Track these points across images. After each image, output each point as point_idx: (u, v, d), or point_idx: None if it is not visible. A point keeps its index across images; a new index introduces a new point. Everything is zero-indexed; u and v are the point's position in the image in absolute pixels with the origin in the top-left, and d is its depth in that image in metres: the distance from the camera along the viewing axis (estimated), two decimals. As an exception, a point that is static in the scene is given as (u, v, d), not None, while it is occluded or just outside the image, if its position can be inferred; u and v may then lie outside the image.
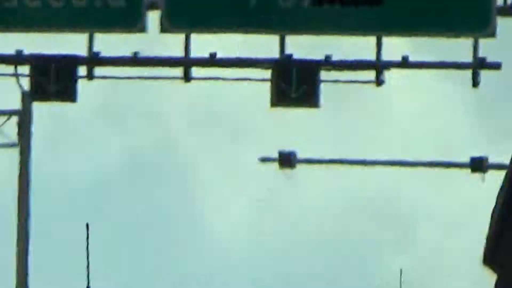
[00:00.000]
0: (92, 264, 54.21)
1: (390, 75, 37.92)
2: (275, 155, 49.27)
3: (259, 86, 37.97)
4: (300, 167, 50.74)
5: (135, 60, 37.03)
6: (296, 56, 36.87)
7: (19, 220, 50.98)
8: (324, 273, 74.47)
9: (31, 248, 54.73)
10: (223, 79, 38.56)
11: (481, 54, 36.54)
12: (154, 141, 74.77)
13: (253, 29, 36.09)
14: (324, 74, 37.06)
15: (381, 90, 39.51)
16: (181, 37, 36.56)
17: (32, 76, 37.17)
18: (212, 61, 37.44)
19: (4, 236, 52.35)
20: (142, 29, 35.59)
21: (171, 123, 76.54)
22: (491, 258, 53.43)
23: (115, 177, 76.84)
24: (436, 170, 53.92)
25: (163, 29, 35.48)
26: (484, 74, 37.15)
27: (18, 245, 50.96)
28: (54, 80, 36.76)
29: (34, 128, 48.90)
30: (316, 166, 52.42)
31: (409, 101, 70.97)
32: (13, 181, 50.73)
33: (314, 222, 75.85)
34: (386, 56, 36.98)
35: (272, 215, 79.23)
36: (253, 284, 66.11)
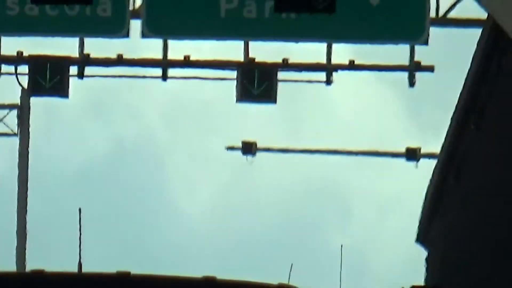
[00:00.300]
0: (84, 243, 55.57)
1: (338, 76, 37.67)
2: (239, 144, 49.75)
3: (226, 85, 38.20)
4: (260, 155, 50.75)
5: (120, 61, 37.20)
6: (258, 59, 36.80)
7: (18, 201, 50.77)
8: (275, 245, 76.56)
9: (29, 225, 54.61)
10: (196, 78, 38.91)
11: (416, 58, 37.04)
12: (135, 132, 78.64)
13: (221, 36, 35.55)
14: (281, 75, 37.48)
15: (330, 89, 39.43)
16: (159, 41, 36.50)
17: (30, 74, 36.79)
18: (186, 62, 37.84)
19: (6, 217, 52.14)
20: (126, 34, 35.09)
21: (150, 116, 79.79)
22: (423, 236, 53.42)
23: (101, 163, 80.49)
24: (376, 158, 54.47)
25: (144, 35, 34.91)
26: (419, 75, 37.58)
27: (18, 224, 50.99)
28: (49, 78, 36.45)
29: (32, 120, 49.03)
30: (273, 154, 52.76)
31: (354, 99, 73.17)
32: (13, 167, 50.73)
33: (269, 201, 79.09)
34: (335, 60, 36.84)
35: (235, 194, 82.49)
36: (215, 252, 69.69)
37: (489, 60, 37.02)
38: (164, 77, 38.21)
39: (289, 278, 14.43)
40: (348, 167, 63.11)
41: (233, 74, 37.28)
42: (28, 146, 50.16)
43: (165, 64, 37.61)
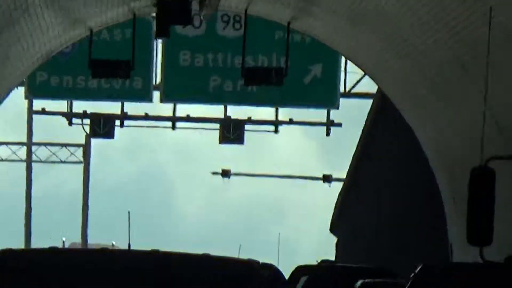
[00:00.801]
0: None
1: (282, 128, 39.24)
2: (220, 170, 51.36)
3: (212, 132, 39.84)
4: (233, 178, 52.11)
5: (146, 117, 38.86)
6: (233, 116, 38.33)
7: (82, 207, 52.23)
8: (238, 231, 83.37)
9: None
10: (193, 128, 40.39)
11: (331, 117, 37.85)
12: (153, 163, 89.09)
13: (210, 101, 37.25)
14: (247, 126, 38.68)
15: (277, 136, 41.29)
16: (170, 105, 37.82)
17: (91, 125, 38.22)
18: (187, 118, 39.07)
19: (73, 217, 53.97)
20: (150, 100, 36.65)
21: (163, 153, 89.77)
22: (334, 227, 55.95)
23: (133, 181, 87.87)
24: (304, 181, 56.22)
25: (162, 100, 36.61)
26: (333, 129, 38.52)
27: (82, 225, 52.00)
28: (102, 127, 37.94)
29: (92, 153, 51.34)
30: (242, 177, 54.15)
31: (291, 143, 78.17)
32: (79, 183, 52.40)
33: (239, 207, 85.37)
34: (280, 117, 38.44)
35: (216, 203, 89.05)
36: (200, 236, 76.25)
37: (377, 118, 40.13)
38: (173, 127, 39.67)
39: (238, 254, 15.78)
40: (287, 186, 68.15)
41: (217, 125, 38.56)
42: (89, 170, 52.50)
43: (174, 119, 38.84)
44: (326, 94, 36.63)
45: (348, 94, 37.35)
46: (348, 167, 48.97)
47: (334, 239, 57.01)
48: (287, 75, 28.07)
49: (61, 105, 38.35)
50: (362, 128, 43.17)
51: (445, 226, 28.84)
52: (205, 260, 8.53)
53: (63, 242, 50.46)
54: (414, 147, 31.06)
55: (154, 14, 27.27)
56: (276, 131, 39.67)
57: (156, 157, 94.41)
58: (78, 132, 43.16)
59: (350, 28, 27.81)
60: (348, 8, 25.47)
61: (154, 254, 8.65)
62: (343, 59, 35.29)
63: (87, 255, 10.58)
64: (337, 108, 37.21)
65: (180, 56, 35.83)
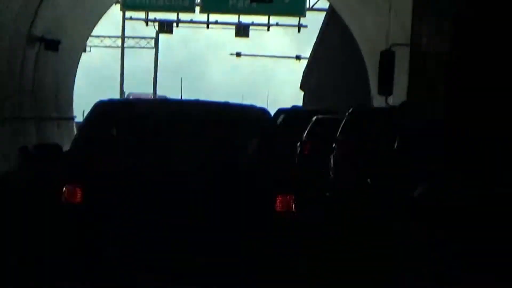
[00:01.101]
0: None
1: (272, 28, 40.54)
2: (235, 52, 53.19)
3: (231, 31, 40.65)
4: (243, 57, 54.01)
5: (191, 22, 40.48)
6: (243, 21, 39.24)
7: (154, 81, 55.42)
8: None
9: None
10: (219, 28, 41.66)
11: (301, 22, 38.47)
12: (196, 50, 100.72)
13: (230, 12, 37.54)
14: (251, 27, 39.91)
15: (269, 33, 42.77)
16: (206, 14, 38.22)
17: (159, 25, 40.78)
18: (216, 22, 39.92)
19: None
20: (194, 11, 36.97)
21: (201, 43, 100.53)
22: (302, 86, 60.21)
23: (184, 61, 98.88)
24: (284, 59, 59.67)
25: (201, 11, 37.01)
26: (302, 29, 39.16)
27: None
28: (166, 26, 40.39)
29: (159, 43, 54.07)
30: (249, 57, 55.34)
31: (277, 37, 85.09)
32: (152, 63, 54.90)
33: (244, 76, 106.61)
34: (271, 21, 39.50)
35: (232, 72, 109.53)
36: None
37: (329, 22, 39.90)
38: (207, 27, 39.79)
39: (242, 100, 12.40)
40: (274, 63, 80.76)
41: (233, 26, 39.47)
42: (157, 54, 54.28)
43: (207, 23, 39.32)
44: (298, 7, 36.68)
45: (311, 9, 38.77)
46: (310, 51, 53.85)
47: (301, 93, 60.91)
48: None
49: (141, 14, 40.87)
50: (319, 28, 46.50)
51: (369, 83, 28.68)
52: (227, 105, 8.82)
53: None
54: (350, 38, 31.81)
55: None
56: (268, 30, 41.61)
57: (197, 45, 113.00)
58: (151, 30, 47.59)
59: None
60: None
61: (196, 101, 8.77)
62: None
63: (157, 103, 11.98)
64: (305, 16, 38.44)
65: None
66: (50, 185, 8.12)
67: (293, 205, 7.58)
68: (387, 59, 14.70)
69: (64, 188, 7.39)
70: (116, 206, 7.28)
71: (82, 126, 8.52)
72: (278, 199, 7.42)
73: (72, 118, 31.11)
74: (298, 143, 20.00)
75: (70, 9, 26.82)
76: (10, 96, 19.65)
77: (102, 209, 7.23)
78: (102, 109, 8.16)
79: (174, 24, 42.10)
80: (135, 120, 8.01)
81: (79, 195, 7.34)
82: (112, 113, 8.33)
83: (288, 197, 7.49)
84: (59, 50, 25.30)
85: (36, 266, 8.25)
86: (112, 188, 7.29)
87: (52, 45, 24.07)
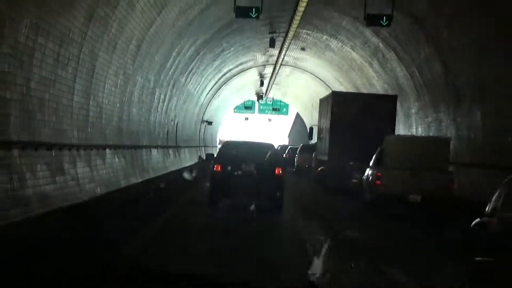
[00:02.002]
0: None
1: None
2: None
3: None
4: None
5: None
6: None
7: None
8: None
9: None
10: None
11: None
12: None
13: None
14: None
15: None
16: None
17: None
18: None
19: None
20: None
21: None
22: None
23: None
24: None
25: None
26: None
27: None
28: None
29: None
30: None
31: None
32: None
33: None
34: None
35: None
36: None
37: None
38: None
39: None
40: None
41: None
42: None
43: None
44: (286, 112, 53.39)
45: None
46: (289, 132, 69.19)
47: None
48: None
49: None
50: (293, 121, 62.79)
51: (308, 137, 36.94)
52: (261, 142, 17.87)
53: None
54: (302, 122, 45.64)
55: None
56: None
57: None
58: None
59: None
60: None
61: (251, 141, 17.40)
62: None
63: (238, 141, 20.08)
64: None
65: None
66: (212, 165, 17.49)
67: (281, 172, 16.99)
68: (311, 129, 33.88)
69: (215, 165, 17.24)
70: (229, 172, 17.00)
71: (220, 148, 19.26)
72: (276, 170, 16.89)
73: (215, 146, 54.22)
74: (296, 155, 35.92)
75: (216, 110, 50.54)
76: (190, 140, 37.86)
77: (225, 173, 17.01)
78: (225, 143, 19.50)
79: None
80: (232, 146, 18.54)
81: (220, 168, 17.03)
82: (227, 144, 19.13)
83: (279, 169, 16.98)
84: (212, 125, 48.94)
85: (208, 191, 17.67)
86: (228, 166, 17.12)
87: (209, 123, 45.54)
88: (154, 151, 24.69)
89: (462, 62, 19.70)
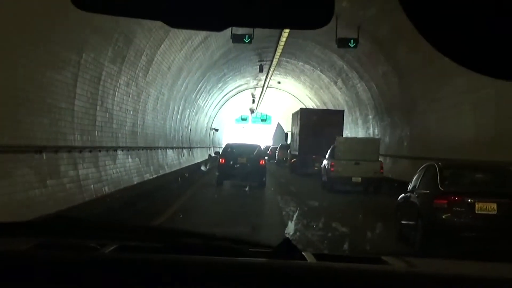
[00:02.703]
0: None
1: None
2: None
3: None
4: None
5: None
6: None
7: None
8: None
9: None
10: None
11: None
12: None
13: None
14: None
15: None
16: None
17: None
18: None
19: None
20: None
21: None
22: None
23: None
24: None
25: None
26: None
27: None
28: None
29: None
30: None
31: None
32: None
33: None
34: None
35: None
36: None
37: None
38: None
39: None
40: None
41: None
42: None
43: None
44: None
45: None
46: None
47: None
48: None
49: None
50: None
51: None
52: (251, 144, 18.01)
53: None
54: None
55: None
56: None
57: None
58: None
59: None
60: None
61: (245, 143, 17.80)
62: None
63: (236, 143, 19.13)
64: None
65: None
66: (218, 159, 17.98)
67: (264, 163, 17.74)
68: (286, 134, 33.85)
69: (220, 159, 17.54)
70: (230, 164, 17.29)
71: (223, 148, 18.76)
72: (260, 161, 17.53)
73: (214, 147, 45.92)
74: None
75: (221, 121, 46.28)
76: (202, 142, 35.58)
77: (227, 164, 17.34)
78: (228, 145, 18.99)
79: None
80: (231, 146, 18.65)
81: (223, 161, 17.49)
82: (229, 145, 18.94)
83: (263, 160, 17.71)
84: (218, 131, 46.12)
85: (217, 173, 17.94)
86: (229, 160, 17.40)
87: (216, 130, 43.01)
88: (170, 151, 21.52)
89: (414, 76, 17.69)
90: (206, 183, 18.20)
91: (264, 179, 17.14)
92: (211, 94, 31.07)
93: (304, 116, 25.22)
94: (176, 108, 22.19)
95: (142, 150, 15.75)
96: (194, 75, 22.16)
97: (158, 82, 16.98)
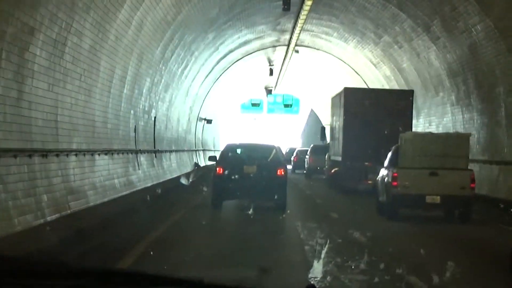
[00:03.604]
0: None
1: None
2: None
3: None
4: None
5: None
6: None
7: None
8: None
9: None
10: None
11: None
12: None
13: None
14: None
15: None
16: None
17: None
18: None
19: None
20: None
21: None
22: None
23: None
24: None
25: None
26: None
27: None
28: None
29: None
30: None
31: None
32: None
33: None
34: None
35: None
36: None
37: None
38: None
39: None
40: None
41: None
42: None
43: None
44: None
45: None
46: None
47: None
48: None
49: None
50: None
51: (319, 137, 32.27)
52: (264, 144, 20.92)
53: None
54: (316, 119, 50.39)
55: None
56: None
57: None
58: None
59: None
60: None
61: (255, 143, 20.44)
62: None
63: (241, 143, 20.77)
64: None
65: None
66: (215, 167, 17.93)
67: (284, 173, 17.81)
68: (323, 129, 34.09)
69: (217, 168, 17.89)
70: (231, 175, 17.31)
71: (221, 152, 19.34)
72: (279, 170, 17.67)
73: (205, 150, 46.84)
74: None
75: (218, 108, 46.94)
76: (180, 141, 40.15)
77: (228, 176, 17.39)
78: (228, 145, 19.51)
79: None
80: (235, 148, 19.57)
81: (221, 170, 17.54)
82: (230, 146, 19.52)
83: (282, 169, 17.82)
84: (213, 123, 44.23)
85: (212, 190, 18.20)
86: (230, 170, 17.52)
87: (209, 121, 41.20)
88: (104, 160, 16.98)
89: None
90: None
91: (283, 198, 17.45)
92: (195, 54, 26.81)
93: (350, 101, 24.46)
94: (120, 77, 18.09)
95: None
96: (156, 9, 18.27)
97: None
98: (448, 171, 16.10)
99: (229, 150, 18.83)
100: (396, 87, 29.06)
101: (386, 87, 30.36)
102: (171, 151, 27.58)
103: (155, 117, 23.78)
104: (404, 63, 28.01)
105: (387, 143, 18.88)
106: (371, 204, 18.39)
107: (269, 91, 50.82)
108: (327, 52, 35.21)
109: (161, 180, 23.44)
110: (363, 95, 25.05)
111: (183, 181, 24.60)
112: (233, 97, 50.15)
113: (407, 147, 16.66)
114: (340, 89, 26.29)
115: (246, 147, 19.47)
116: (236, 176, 17.18)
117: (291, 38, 31.66)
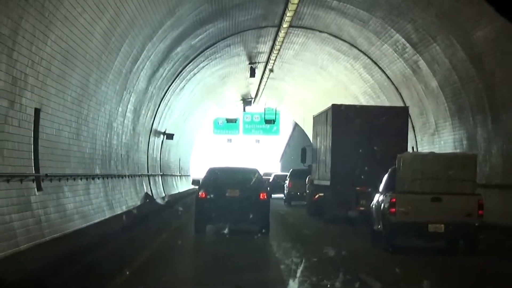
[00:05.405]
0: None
1: None
2: None
3: None
4: None
5: None
6: None
7: None
8: None
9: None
10: None
11: None
12: None
13: None
14: None
15: None
16: None
17: None
18: None
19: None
20: None
21: None
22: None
23: None
24: None
25: None
26: None
27: None
28: None
29: None
30: None
31: None
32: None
33: None
34: None
35: None
36: None
37: None
38: None
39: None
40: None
41: None
42: None
43: None
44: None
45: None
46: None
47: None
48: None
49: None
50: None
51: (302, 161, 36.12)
52: (246, 168, 21.56)
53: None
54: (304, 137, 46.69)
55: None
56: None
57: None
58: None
59: None
60: None
61: (237, 167, 21.40)
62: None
63: (223, 167, 20.54)
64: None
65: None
66: (198, 192, 18.52)
67: (266, 196, 18.59)
68: (304, 151, 31.04)
69: (200, 192, 18.47)
70: (215, 199, 17.89)
71: (205, 175, 19.28)
72: (261, 194, 18.38)
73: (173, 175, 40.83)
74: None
75: (188, 124, 40.08)
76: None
77: (211, 200, 17.95)
78: (211, 170, 19.61)
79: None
80: (217, 172, 19.44)
81: (204, 195, 18.19)
82: (213, 170, 19.62)
83: (264, 193, 18.58)
84: (183, 146, 39.73)
85: (194, 214, 18.71)
86: (213, 193, 18.07)
87: (169, 136, 33.46)
88: None
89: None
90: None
91: (266, 221, 17.72)
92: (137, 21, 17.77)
93: (339, 118, 23.38)
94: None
95: None
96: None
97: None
98: (452, 196, 15.48)
99: (212, 173, 18.89)
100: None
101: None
102: (88, 177, 16.41)
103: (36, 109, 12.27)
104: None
105: (381, 166, 18.11)
106: (363, 235, 17.73)
107: (247, 102, 44.88)
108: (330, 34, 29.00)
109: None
110: (353, 112, 23.88)
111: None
112: (203, 108, 44.24)
113: (406, 169, 15.93)
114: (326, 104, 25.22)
115: (228, 171, 19.58)
116: (220, 200, 17.53)
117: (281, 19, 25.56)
